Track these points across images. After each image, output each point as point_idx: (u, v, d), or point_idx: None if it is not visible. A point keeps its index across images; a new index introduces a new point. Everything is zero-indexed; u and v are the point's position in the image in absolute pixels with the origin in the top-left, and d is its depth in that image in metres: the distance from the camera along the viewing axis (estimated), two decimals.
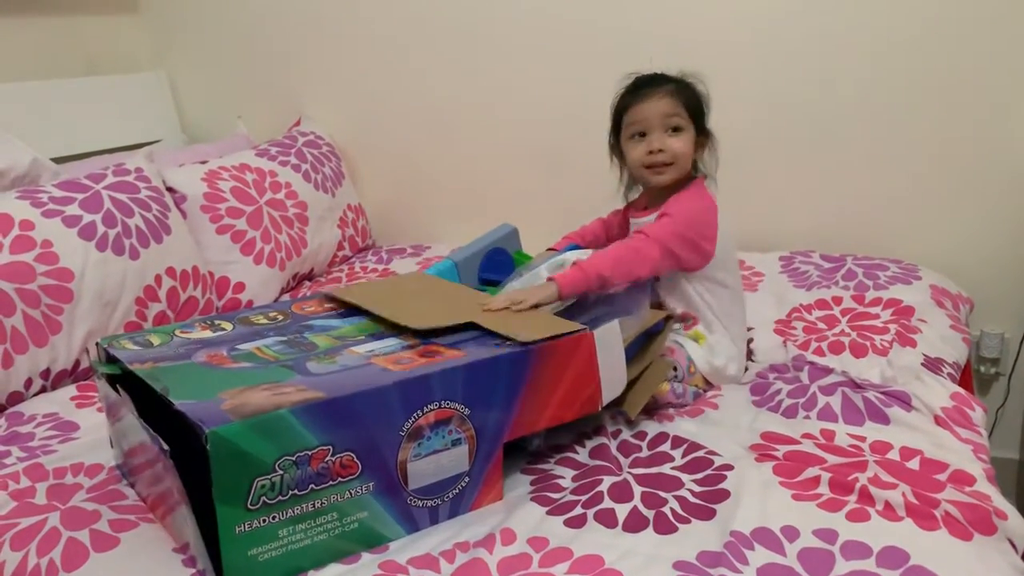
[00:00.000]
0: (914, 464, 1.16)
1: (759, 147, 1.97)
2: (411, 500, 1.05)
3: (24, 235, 1.51)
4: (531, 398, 1.12)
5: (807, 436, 1.25)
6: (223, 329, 1.26)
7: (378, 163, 2.38)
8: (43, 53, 2.18)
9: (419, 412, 1.03)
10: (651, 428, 1.30)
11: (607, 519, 1.07)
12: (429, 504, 1.06)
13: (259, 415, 0.93)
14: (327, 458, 0.97)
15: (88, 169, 1.77)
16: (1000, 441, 1.95)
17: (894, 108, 1.87)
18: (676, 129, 1.39)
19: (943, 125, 1.85)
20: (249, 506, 0.93)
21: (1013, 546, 1.02)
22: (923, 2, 1.80)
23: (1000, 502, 1.06)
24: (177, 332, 1.25)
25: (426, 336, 1.17)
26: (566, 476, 1.18)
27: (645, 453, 1.23)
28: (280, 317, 1.31)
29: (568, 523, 1.06)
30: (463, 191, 2.30)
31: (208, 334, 1.25)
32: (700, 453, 1.22)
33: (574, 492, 1.13)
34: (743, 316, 1.47)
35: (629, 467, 1.19)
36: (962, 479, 1.11)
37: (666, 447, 1.24)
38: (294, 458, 0.94)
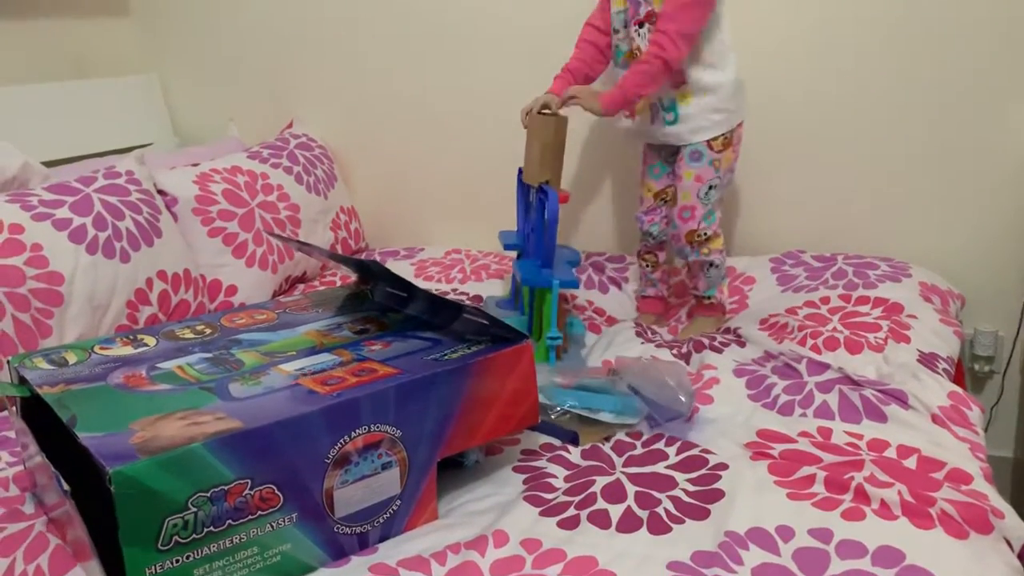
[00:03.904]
0: (911, 463, 1.15)
1: (750, 148, 1.96)
2: (338, 528, 1.00)
3: (13, 239, 1.49)
4: (467, 414, 1.08)
5: (804, 434, 1.25)
6: (146, 345, 1.21)
7: (371, 165, 2.36)
8: (34, 56, 2.17)
9: (346, 438, 0.98)
10: (645, 425, 1.29)
11: (600, 520, 1.06)
12: (358, 530, 1.02)
13: (170, 450, 0.87)
14: (245, 492, 0.91)
15: (78, 172, 1.76)
16: (995, 439, 1.94)
17: (887, 107, 1.86)
18: None
19: (936, 123, 1.84)
20: (160, 547, 0.86)
21: (1009, 545, 1.01)
22: (916, 2, 1.80)
23: (997, 501, 1.05)
24: (96, 348, 1.20)
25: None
26: (559, 476, 1.17)
27: (639, 451, 1.23)
28: (208, 331, 1.27)
29: (561, 524, 1.05)
30: (456, 193, 2.29)
31: (129, 350, 1.19)
32: (694, 452, 1.21)
33: (567, 492, 1.12)
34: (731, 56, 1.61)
35: (623, 466, 1.19)
36: (959, 478, 1.11)
37: (660, 444, 1.24)
38: (209, 494, 0.88)
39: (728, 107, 1.61)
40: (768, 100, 1.91)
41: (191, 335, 1.26)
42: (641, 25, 1.58)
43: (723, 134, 1.61)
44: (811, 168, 1.95)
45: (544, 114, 1.60)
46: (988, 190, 1.85)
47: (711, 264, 1.67)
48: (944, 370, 1.45)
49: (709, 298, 1.72)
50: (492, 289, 1.96)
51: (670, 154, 1.69)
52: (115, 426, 0.94)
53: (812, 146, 1.93)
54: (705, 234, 1.64)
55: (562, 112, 1.60)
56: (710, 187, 1.63)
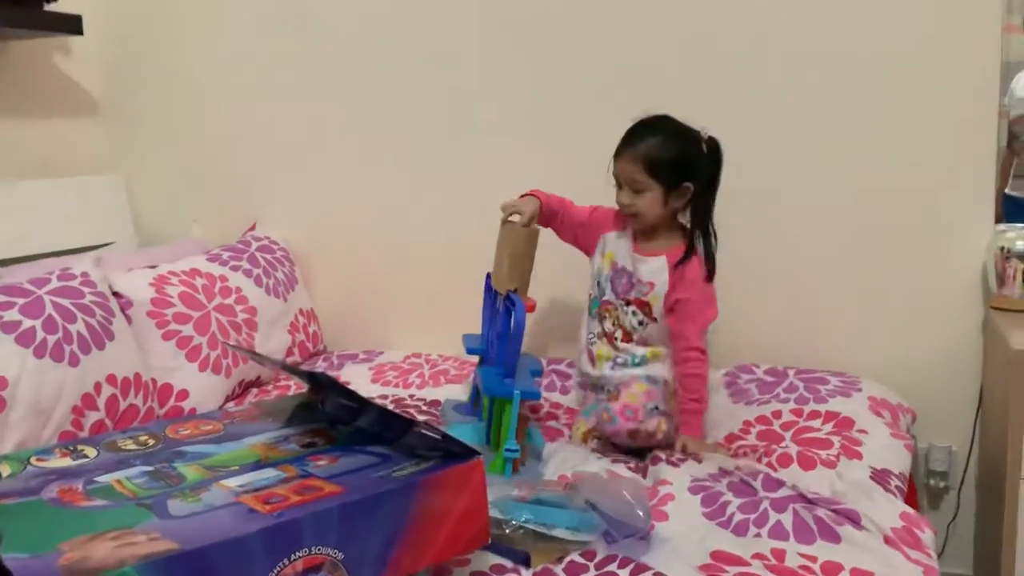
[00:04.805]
0: None
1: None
2: None
3: None
4: (415, 535, 1.04)
5: (757, 556, 1.23)
6: (85, 456, 1.19)
7: (333, 268, 2.37)
8: (2, 154, 2.17)
9: (285, 561, 0.94)
10: (601, 542, 1.27)
11: None
12: None
13: (98, 575, 0.83)
14: None
15: (32, 273, 1.74)
16: (953, 557, 1.93)
17: (840, 224, 1.93)
18: (638, 190, 1.61)
19: (889, 240, 1.90)
20: None
21: None
22: (868, 118, 1.88)
23: None
24: (32, 460, 1.17)
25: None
26: None
27: (591, 574, 1.20)
28: (151, 442, 1.24)
29: None
30: (417, 298, 2.30)
31: (67, 462, 1.16)
32: (647, 575, 1.18)
33: None
34: None
35: None
36: None
37: (613, 567, 1.21)
38: None
39: None
40: (722, 216, 1.96)
41: (134, 446, 1.23)
42: (628, 304, 1.67)
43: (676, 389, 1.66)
44: (765, 282, 1.99)
45: (514, 223, 1.63)
46: (940, 306, 1.90)
47: (658, 445, 1.63)
48: (896, 487, 1.45)
49: None
50: (450, 395, 1.94)
51: (607, 393, 1.71)
52: (43, 546, 0.90)
53: (766, 261, 1.98)
54: (648, 430, 1.60)
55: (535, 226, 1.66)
56: (656, 407, 1.62)
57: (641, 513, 1.28)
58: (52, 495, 1.05)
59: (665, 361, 1.68)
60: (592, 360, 1.74)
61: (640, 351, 1.68)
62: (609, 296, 1.70)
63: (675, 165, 1.60)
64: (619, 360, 1.70)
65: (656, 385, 1.64)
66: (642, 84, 2.00)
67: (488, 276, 1.76)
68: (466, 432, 1.54)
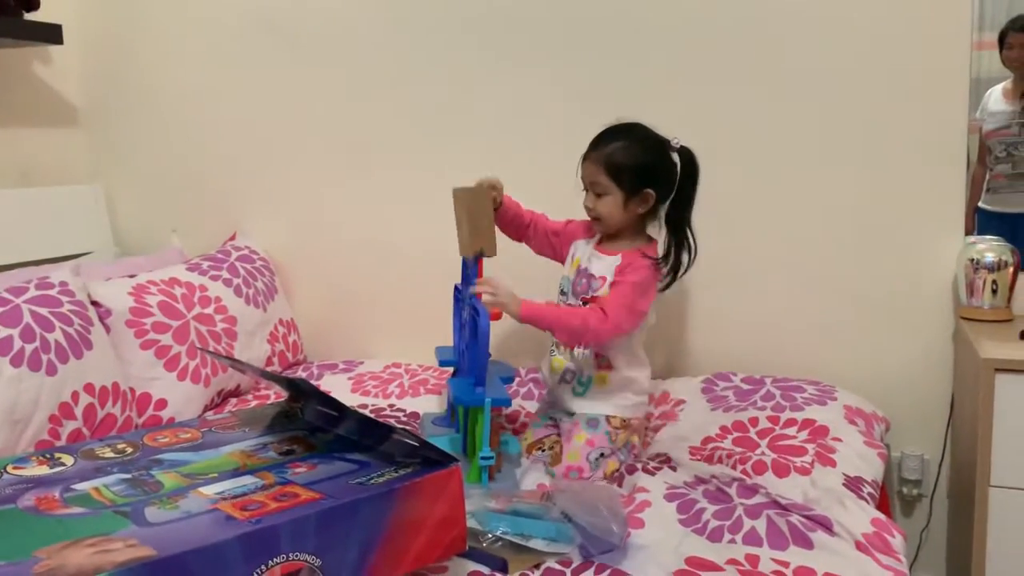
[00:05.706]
0: None
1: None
2: None
3: None
4: (392, 541, 1.06)
5: (731, 562, 1.25)
6: (63, 464, 1.19)
7: (313, 278, 2.38)
8: None
9: (263, 567, 0.94)
10: (576, 554, 1.28)
11: None
12: None
13: None
14: None
15: (10, 281, 1.73)
16: (926, 564, 1.96)
17: (816, 235, 1.95)
18: (600, 193, 1.62)
19: (863, 252, 1.92)
20: None
21: None
22: (840, 132, 1.91)
23: None
24: (9, 468, 1.17)
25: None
26: None
27: None
28: (129, 450, 1.25)
29: None
30: (398, 307, 2.30)
31: (44, 470, 1.17)
32: None
33: None
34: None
35: None
36: None
37: (590, 573, 1.22)
38: None
39: (637, 400, 1.68)
40: (701, 225, 1.99)
41: (111, 454, 1.23)
42: (585, 304, 1.65)
43: (623, 418, 1.65)
44: (742, 293, 2.01)
45: (460, 187, 1.64)
46: (912, 317, 1.92)
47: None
48: (869, 494, 1.47)
49: None
50: (429, 405, 1.95)
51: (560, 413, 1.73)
52: (19, 553, 0.90)
53: (743, 271, 2.00)
54: (597, 481, 1.58)
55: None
56: (601, 454, 1.61)
57: (616, 528, 1.30)
58: (29, 503, 1.05)
59: (612, 392, 1.65)
60: (550, 369, 1.73)
61: (588, 371, 1.65)
62: (571, 300, 1.69)
63: (637, 170, 1.60)
64: (567, 377, 1.68)
65: (597, 430, 1.62)
66: (620, 93, 2.03)
67: (456, 288, 1.76)
68: (442, 443, 1.55)
